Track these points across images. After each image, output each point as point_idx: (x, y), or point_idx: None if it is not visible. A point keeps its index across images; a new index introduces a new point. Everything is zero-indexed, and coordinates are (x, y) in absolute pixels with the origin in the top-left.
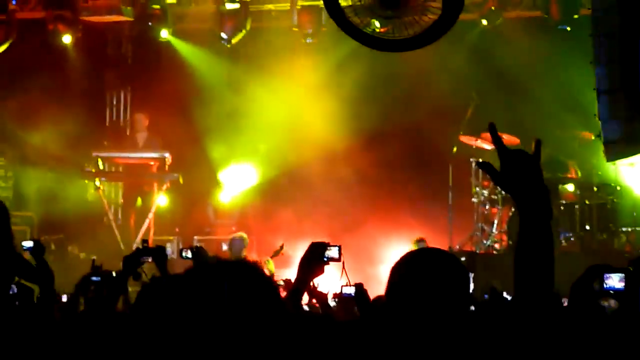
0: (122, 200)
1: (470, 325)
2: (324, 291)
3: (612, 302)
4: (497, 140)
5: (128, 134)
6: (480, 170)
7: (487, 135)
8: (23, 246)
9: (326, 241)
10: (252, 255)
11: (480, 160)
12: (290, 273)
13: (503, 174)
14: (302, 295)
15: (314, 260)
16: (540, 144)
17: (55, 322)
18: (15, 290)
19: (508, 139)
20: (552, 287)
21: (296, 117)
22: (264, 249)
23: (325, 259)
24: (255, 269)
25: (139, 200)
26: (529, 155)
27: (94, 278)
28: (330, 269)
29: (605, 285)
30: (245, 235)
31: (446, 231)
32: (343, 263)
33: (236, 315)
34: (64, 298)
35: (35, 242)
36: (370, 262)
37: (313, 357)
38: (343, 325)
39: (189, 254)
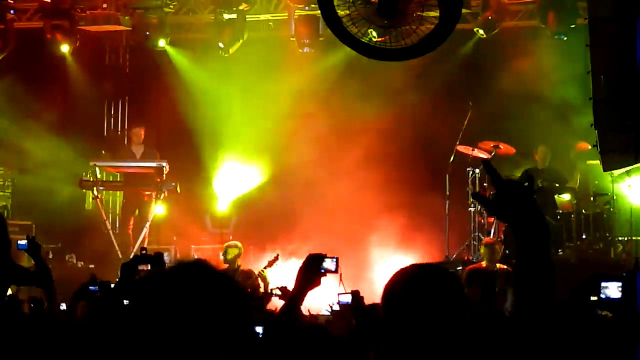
0: (120, 209)
1: (468, 339)
2: (322, 302)
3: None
4: (493, 174)
5: (125, 144)
6: (477, 180)
7: (484, 144)
8: (18, 245)
9: (323, 253)
10: (247, 264)
11: (477, 190)
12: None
13: (498, 204)
14: (299, 306)
15: (311, 271)
16: (532, 177)
17: (55, 329)
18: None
19: (505, 148)
20: (553, 309)
21: (293, 127)
22: (261, 257)
23: (322, 271)
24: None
25: (137, 210)
26: (522, 187)
27: (91, 287)
28: (329, 281)
29: (602, 294)
30: (239, 244)
31: (443, 240)
32: (340, 275)
33: (189, 320)
34: (63, 306)
35: (30, 240)
36: (367, 272)
37: None
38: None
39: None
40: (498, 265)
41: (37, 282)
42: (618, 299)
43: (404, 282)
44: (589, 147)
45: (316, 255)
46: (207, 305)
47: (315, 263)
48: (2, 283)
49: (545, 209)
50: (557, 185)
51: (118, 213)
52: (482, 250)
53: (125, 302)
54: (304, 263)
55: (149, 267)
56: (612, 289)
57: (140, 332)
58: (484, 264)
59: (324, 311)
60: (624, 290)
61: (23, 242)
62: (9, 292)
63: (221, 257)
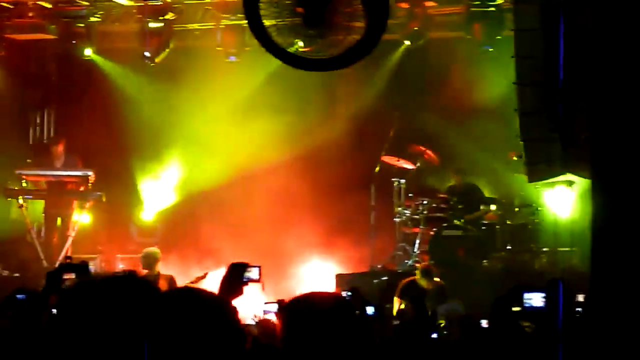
0: (44, 218)
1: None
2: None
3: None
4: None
5: (45, 158)
6: (401, 190)
7: (413, 147)
8: None
9: (246, 262)
10: (172, 274)
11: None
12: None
13: None
14: None
15: (234, 281)
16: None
17: None
18: None
19: (429, 156)
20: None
21: (219, 136)
22: (187, 266)
23: (244, 280)
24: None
25: (62, 219)
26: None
27: (18, 296)
28: (253, 290)
29: (526, 304)
30: (157, 250)
31: (368, 250)
32: (262, 283)
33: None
34: None
35: None
36: (293, 282)
37: None
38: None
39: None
40: (434, 279)
41: None
42: (542, 308)
43: (299, 314)
44: (515, 157)
45: (238, 264)
46: (134, 315)
47: (237, 272)
48: None
49: (469, 215)
50: (481, 194)
51: (43, 222)
52: (418, 276)
53: (54, 311)
54: (227, 272)
55: (74, 276)
56: (536, 299)
57: (67, 340)
58: (419, 281)
59: (249, 320)
60: (547, 300)
61: None
62: None
63: (140, 264)
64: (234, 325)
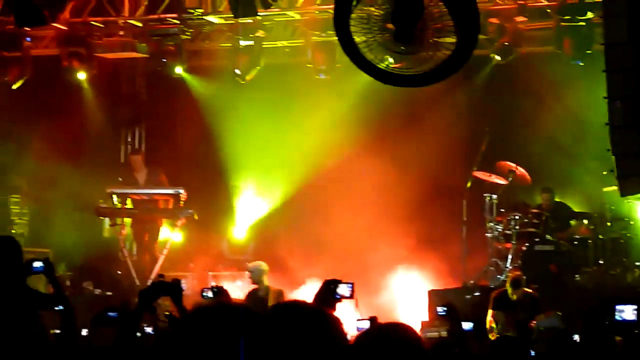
0: (133, 236)
1: None
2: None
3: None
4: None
5: (127, 172)
6: (493, 205)
7: (502, 166)
8: (33, 268)
9: (339, 278)
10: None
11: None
12: None
13: None
14: None
15: (327, 297)
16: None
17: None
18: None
19: (521, 173)
20: None
21: (309, 152)
22: (279, 283)
23: (337, 297)
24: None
25: (150, 236)
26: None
27: (110, 313)
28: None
29: (617, 317)
30: (263, 263)
31: (460, 266)
32: (356, 301)
33: None
34: (84, 332)
35: (45, 260)
36: (383, 298)
37: None
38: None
39: (210, 294)
40: (524, 289)
41: (54, 304)
42: (634, 321)
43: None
44: (605, 172)
45: (332, 280)
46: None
47: (330, 288)
48: (21, 309)
49: (561, 233)
50: (570, 211)
51: (135, 240)
52: (509, 288)
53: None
54: (320, 288)
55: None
56: (628, 312)
57: None
58: (509, 294)
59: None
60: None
61: (39, 264)
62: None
63: (248, 278)
64: (340, 338)
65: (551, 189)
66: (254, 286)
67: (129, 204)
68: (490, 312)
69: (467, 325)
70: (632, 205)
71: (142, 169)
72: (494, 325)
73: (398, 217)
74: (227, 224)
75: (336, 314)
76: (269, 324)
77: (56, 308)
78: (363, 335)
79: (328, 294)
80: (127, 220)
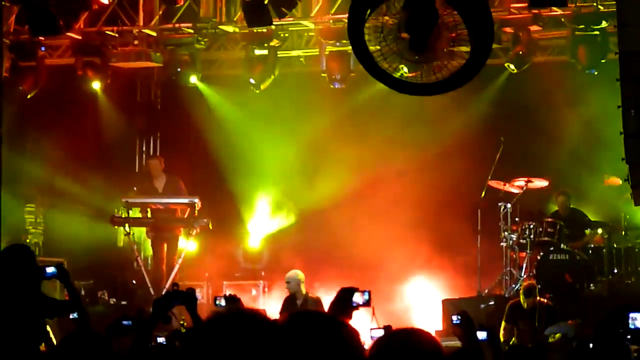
0: (152, 246)
1: None
2: None
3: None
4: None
5: (145, 181)
6: (508, 214)
7: (516, 181)
8: (47, 273)
9: (355, 286)
10: (279, 300)
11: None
12: None
13: None
14: None
15: (343, 305)
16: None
17: None
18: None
19: (537, 181)
20: None
21: (324, 161)
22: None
23: (354, 305)
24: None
25: (169, 246)
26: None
27: (124, 322)
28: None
29: (631, 325)
30: (298, 271)
31: (475, 275)
32: (373, 309)
33: None
34: None
35: (58, 266)
36: (398, 306)
37: None
38: None
39: (223, 302)
40: (539, 298)
41: (69, 310)
42: None
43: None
44: (619, 181)
45: (348, 288)
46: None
47: (347, 296)
48: (35, 316)
49: (575, 243)
50: (586, 219)
51: (150, 249)
52: (521, 297)
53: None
54: (336, 296)
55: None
56: None
57: None
58: (523, 303)
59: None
60: None
61: (51, 269)
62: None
63: (287, 289)
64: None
65: (567, 192)
66: (287, 294)
67: (147, 213)
68: (503, 324)
69: (481, 335)
70: None
71: (161, 176)
72: (506, 338)
73: (412, 226)
74: (241, 233)
75: (352, 322)
76: (284, 332)
77: (71, 316)
78: (379, 341)
79: (344, 302)
80: (143, 230)
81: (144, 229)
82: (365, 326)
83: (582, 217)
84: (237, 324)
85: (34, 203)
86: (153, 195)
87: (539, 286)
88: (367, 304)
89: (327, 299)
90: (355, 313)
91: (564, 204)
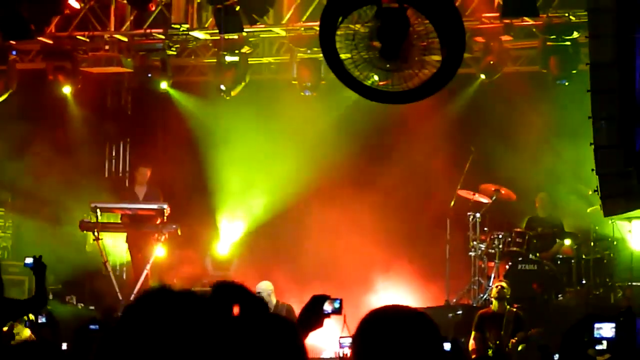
0: (119, 251)
1: None
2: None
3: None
4: None
5: (127, 185)
6: (477, 224)
7: (485, 187)
8: (25, 264)
9: (327, 294)
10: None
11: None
12: None
13: None
14: None
15: (314, 312)
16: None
17: None
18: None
19: (506, 192)
20: None
21: (293, 169)
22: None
23: (325, 313)
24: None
25: (137, 251)
26: None
27: (92, 326)
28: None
29: (596, 334)
30: (267, 282)
31: (443, 284)
32: (344, 317)
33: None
34: (64, 346)
35: (36, 259)
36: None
37: None
38: None
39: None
40: (507, 307)
41: (34, 306)
42: (611, 338)
43: (378, 325)
44: (590, 192)
45: (320, 296)
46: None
47: (318, 304)
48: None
49: (545, 253)
50: (555, 230)
51: (118, 255)
52: (493, 292)
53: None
54: (307, 304)
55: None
56: (606, 330)
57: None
58: (493, 307)
59: (324, 354)
60: (617, 330)
61: (29, 260)
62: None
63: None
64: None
65: (548, 196)
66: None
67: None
68: (472, 333)
69: (446, 346)
70: (615, 226)
71: (144, 185)
72: (477, 347)
73: (381, 234)
74: (210, 239)
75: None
76: (209, 303)
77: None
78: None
79: (315, 309)
80: (114, 236)
81: (112, 234)
82: (336, 335)
83: (559, 224)
84: (164, 300)
85: (3, 208)
86: (132, 200)
87: (507, 296)
88: (337, 312)
89: (299, 307)
90: (326, 321)
91: (544, 202)
